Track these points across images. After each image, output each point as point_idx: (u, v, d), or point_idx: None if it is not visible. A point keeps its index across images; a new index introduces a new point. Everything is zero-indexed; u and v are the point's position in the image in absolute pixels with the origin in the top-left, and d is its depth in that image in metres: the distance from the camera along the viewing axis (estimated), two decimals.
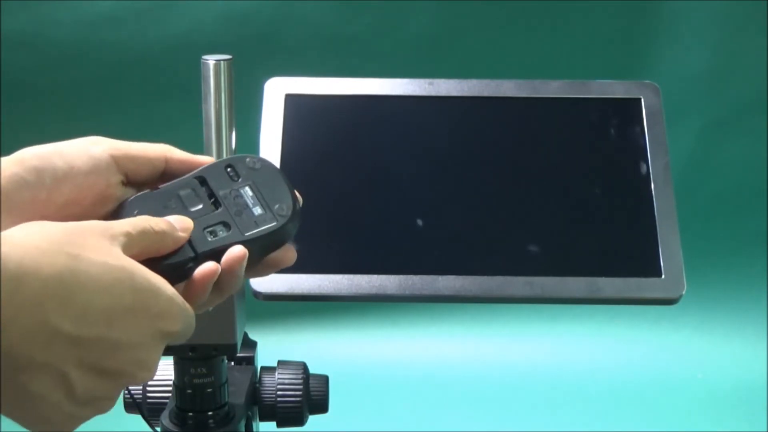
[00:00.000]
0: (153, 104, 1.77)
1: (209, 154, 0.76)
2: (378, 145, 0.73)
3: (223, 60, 0.74)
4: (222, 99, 0.75)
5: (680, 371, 1.75)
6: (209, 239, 0.54)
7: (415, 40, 1.80)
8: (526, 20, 1.81)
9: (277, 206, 0.56)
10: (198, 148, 0.76)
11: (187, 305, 0.50)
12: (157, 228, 0.50)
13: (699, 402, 1.67)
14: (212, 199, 0.56)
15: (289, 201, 0.57)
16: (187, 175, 0.56)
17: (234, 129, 0.76)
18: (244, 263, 0.53)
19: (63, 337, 0.43)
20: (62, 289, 0.43)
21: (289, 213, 0.56)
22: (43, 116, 1.73)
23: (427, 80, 0.75)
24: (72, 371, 0.44)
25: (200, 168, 0.57)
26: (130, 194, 0.56)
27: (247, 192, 0.56)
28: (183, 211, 0.54)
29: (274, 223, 0.56)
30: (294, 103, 0.74)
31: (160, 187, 0.56)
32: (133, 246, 0.48)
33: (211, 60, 0.74)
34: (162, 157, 0.56)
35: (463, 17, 1.80)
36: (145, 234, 0.49)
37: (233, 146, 0.76)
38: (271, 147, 0.72)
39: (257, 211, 0.56)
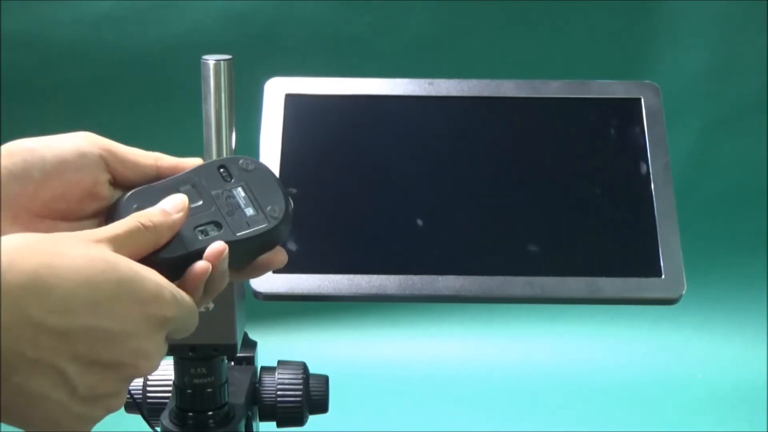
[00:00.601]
0: (153, 104, 1.77)
1: (209, 154, 0.76)
2: (378, 145, 0.73)
3: (223, 60, 0.74)
4: (222, 99, 0.75)
5: (680, 371, 1.75)
6: (200, 238, 0.54)
7: (415, 40, 1.80)
8: (526, 20, 1.81)
9: (269, 208, 0.57)
10: (198, 148, 0.76)
11: (183, 293, 0.49)
12: (148, 223, 0.50)
13: (699, 402, 1.67)
14: (206, 198, 0.56)
15: (281, 203, 0.57)
16: (181, 174, 0.56)
17: (234, 129, 0.76)
18: (226, 258, 0.53)
19: (49, 331, 0.43)
20: (39, 283, 0.42)
21: (281, 215, 0.56)
22: (43, 116, 1.73)
23: (427, 80, 0.75)
24: (68, 367, 0.44)
25: (193, 168, 0.57)
26: (118, 195, 0.56)
27: (240, 193, 0.56)
28: (195, 205, 0.55)
29: (265, 224, 0.56)
30: (294, 103, 0.74)
31: (157, 182, 0.56)
32: (122, 247, 0.48)
33: (211, 60, 0.74)
34: (153, 165, 0.56)
35: (463, 17, 1.80)
36: (134, 233, 0.49)
37: (233, 146, 0.76)
38: (271, 147, 0.72)
39: (249, 211, 0.56)
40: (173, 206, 0.52)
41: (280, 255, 0.58)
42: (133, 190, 0.55)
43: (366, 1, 1.78)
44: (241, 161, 0.58)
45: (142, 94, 1.78)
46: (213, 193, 0.56)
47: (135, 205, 0.53)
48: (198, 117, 0.75)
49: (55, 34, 1.74)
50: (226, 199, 0.56)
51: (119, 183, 0.55)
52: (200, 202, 0.55)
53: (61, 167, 0.52)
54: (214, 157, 0.76)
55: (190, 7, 1.76)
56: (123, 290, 0.45)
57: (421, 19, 1.80)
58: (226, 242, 0.53)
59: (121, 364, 0.46)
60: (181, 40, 1.74)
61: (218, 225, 0.55)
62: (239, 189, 0.57)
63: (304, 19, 1.78)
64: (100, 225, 0.54)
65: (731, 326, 1.82)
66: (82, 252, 0.45)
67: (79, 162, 0.52)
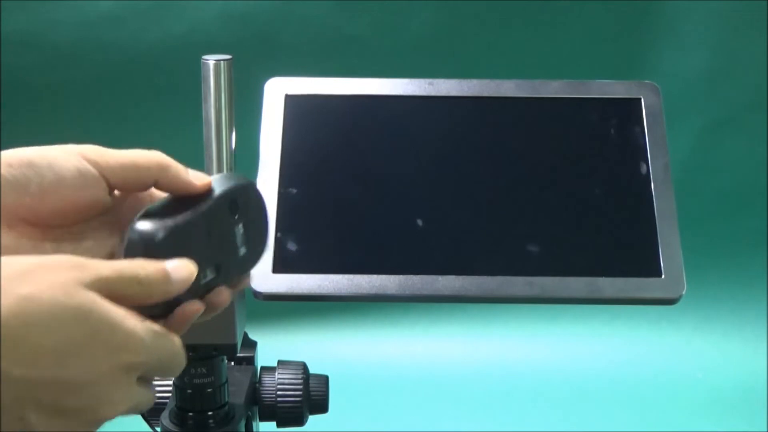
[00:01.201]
0: (153, 104, 1.77)
1: (209, 154, 0.76)
2: (378, 145, 0.73)
3: (223, 60, 0.74)
4: (222, 99, 0.75)
5: (680, 371, 1.75)
6: (200, 283, 0.51)
7: (415, 40, 1.80)
8: (526, 20, 1.81)
9: (259, 248, 0.56)
10: (198, 148, 0.76)
11: (163, 336, 0.48)
12: (144, 278, 0.48)
13: (699, 402, 1.67)
14: (212, 238, 0.53)
15: (265, 242, 0.57)
16: (199, 210, 0.53)
17: (234, 129, 0.76)
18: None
19: (14, 381, 0.42)
20: (10, 334, 0.42)
21: (262, 254, 0.56)
22: (43, 116, 1.73)
23: (427, 80, 0.75)
24: (31, 415, 0.43)
25: (215, 197, 0.54)
26: (119, 200, 0.54)
27: (239, 230, 0.55)
28: (202, 247, 0.52)
29: (252, 266, 0.56)
30: (294, 103, 0.74)
31: (175, 220, 0.52)
32: (106, 289, 0.46)
33: (211, 60, 0.74)
34: (154, 168, 0.53)
35: (463, 17, 1.80)
36: (124, 282, 0.47)
37: (233, 146, 0.76)
38: (271, 147, 0.72)
39: (242, 251, 0.55)
40: (177, 273, 0.49)
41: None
42: (148, 230, 0.50)
43: (366, 1, 1.78)
44: (251, 194, 0.56)
45: (142, 94, 1.78)
46: (218, 231, 0.53)
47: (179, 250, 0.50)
48: (198, 117, 0.75)
49: (55, 34, 1.74)
50: (228, 237, 0.54)
51: (120, 189, 0.54)
52: (207, 242, 0.52)
53: (59, 185, 0.51)
54: (214, 158, 0.75)
55: (190, 7, 1.76)
56: (92, 340, 0.44)
57: (421, 19, 1.80)
58: (222, 285, 0.53)
59: (85, 410, 0.45)
60: (181, 40, 1.74)
61: (218, 268, 0.53)
62: (240, 226, 0.55)
63: (304, 19, 1.78)
64: (101, 228, 0.53)
65: (731, 326, 1.82)
66: (56, 298, 0.44)
67: (79, 181, 0.51)
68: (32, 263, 0.45)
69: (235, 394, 0.79)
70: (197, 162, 0.77)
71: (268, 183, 0.70)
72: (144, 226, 0.50)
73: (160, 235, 0.50)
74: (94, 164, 0.52)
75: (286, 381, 0.84)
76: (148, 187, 0.54)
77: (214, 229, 0.53)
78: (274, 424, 0.85)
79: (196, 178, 0.54)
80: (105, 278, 0.46)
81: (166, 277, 0.49)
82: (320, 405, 0.85)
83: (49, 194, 0.50)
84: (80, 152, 0.52)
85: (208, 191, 0.54)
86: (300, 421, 0.84)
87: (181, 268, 0.50)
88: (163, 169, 0.53)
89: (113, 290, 0.46)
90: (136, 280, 0.47)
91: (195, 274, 0.50)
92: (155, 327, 0.48)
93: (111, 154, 0.53)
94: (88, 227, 0.53)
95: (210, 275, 0.52)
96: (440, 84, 0.75)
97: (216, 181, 0.55)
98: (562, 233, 0.69)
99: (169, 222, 0.51)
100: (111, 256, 0.54)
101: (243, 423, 0.78)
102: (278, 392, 0.83)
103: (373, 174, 0.71)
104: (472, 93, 0.74)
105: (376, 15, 1.79)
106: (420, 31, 1.80)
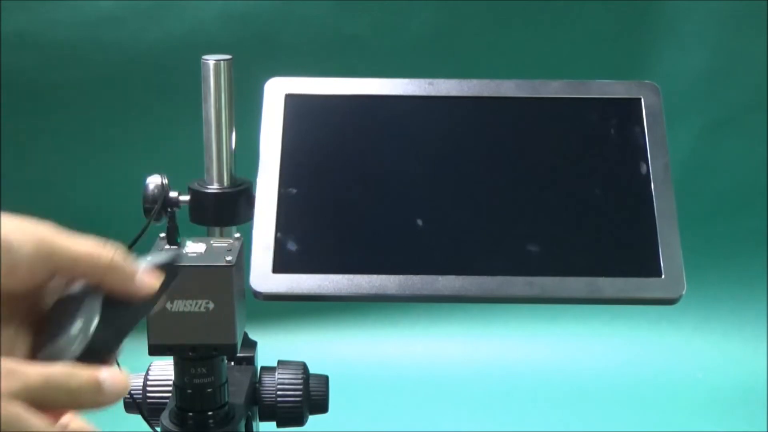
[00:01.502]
0: (153, 104, 1.77)
1: (209, 154, 0.76)
2: (378, 145, 0.73)
3: (223, 60, 0.74)
4: (222, 99, 0.75)
5: (680, 371, 1.75)
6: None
7: (415, 40, 1.80)
8: (526, 20, 1.81)
9: None
10: (198, 148, 0.76)
11: None
12: (75, 388, 0.47)
13: (699, 402, 1.67)
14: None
15: None
16: (146, 308, 0.53)
17: (234, 129, 0.76)
18: None
19: None
20: None
21: None
22: (43, 116, 1.73)
23: (427, 80, 0.75)
24: None
25: (154, 299, 0.53)
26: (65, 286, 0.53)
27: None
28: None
29: None
30: (294, 103, 0.74)
31: (128, 321, 0.52)
32: (33, 398, 0.45)
33: (211, 60, 0.74)
34: (103, 269, 0.52)
35: (463, 17, 1.80)
36: (52, 389, 0.46)
37: (233, 146, 0.77)
38: (271, 147, 0.72)
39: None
40: (111, 384, 0.48)
41: None
42: (99, 341, 0.50)
43: (366, 1, 1.78)
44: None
45: (142, 94, 1.78)
46: (143, 318, 0.54)
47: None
48: (198, 117, 0.75)
49: (55, 34, 1.74)
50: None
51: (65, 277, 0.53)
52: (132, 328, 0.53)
53: (12, 272, 0.49)
54: (214, 158, 0.76)
55: (190, 7, 1.76)
56: None
57: (421, 19, 1.80)
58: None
59: None
60: (181, 40, 1.74)
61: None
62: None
63: (304, 19, 1.78)
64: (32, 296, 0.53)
65: (731, 326, 1.82)
66: None
67: (31, 271, 0.50)
68: None
69: (235, 394, 0.79)
70: (197, 162, 0.77)
71: (268, 183, 0.70)
72: (98, 332, 0.50)
73: (109, 341, 0.50)
74: (48, 255, 0.50)
75: (286, 381, 0.84)
76: (92, 281, 0.53)
77: (142, 318, 0.53)
78: (274, 424, 0.85)
79: (141, 287, 0.53)
80: (33, 388, 0.45)
81: (97, 388, 0.48)
82: (320, 405, 0.85)
83: (1, 278, 0.49)
84: (38, 238, 0.51)
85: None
86: (300, 421, 0.84)
87: (116, 379, 0.49)
88: (110, 271, 0.52)
89: (40, 397, 0.46)
90: (65, 390, 0.47)
91: (129, 387, 0.49)
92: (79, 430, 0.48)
93: (66, 246, 0.51)
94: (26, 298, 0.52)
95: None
96: (440, 84, 0.75)
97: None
98: (562, 233, 0.69)
99: (120, 330, 0.51)
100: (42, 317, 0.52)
101: (243, 423, 0.78)
102: (278, 392, 0.83)
103: (373, 174, 0.71)
104: (472, 93, 0.74)
105: (376, 15, 1.79)
106: (420, 31, 1.80)
